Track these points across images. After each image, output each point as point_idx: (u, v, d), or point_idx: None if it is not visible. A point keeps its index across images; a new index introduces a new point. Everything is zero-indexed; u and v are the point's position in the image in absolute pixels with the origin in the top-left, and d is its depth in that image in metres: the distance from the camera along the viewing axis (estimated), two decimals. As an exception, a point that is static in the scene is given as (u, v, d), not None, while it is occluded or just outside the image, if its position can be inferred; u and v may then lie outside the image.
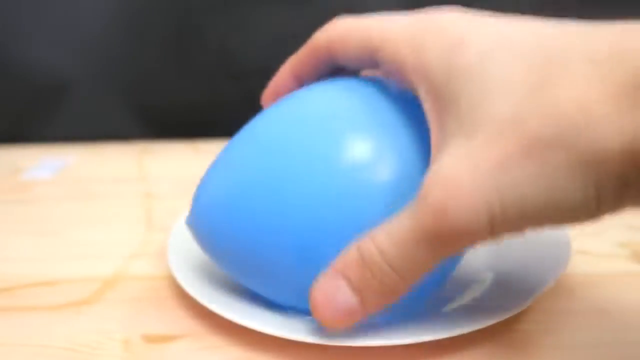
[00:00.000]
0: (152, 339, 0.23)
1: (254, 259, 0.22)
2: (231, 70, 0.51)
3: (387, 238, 0.19)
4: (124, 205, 0.37)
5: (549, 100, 0.16)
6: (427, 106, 0.20)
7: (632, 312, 0.24)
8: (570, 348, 0.22)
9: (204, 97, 0.51)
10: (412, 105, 0.22)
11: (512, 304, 0.22)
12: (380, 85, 0.23)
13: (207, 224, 0.23)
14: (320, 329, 0.21)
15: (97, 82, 0.51)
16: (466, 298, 0.24)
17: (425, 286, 0.21)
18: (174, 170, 0.44)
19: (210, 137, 0.51)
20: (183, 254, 0.27)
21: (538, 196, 0.16)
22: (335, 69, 0.24)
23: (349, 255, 0.19)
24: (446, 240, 0.18)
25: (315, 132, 0.21)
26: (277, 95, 0.25)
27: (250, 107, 0.53)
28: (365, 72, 0.25)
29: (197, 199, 0.24)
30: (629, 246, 0.30)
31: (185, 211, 0.31)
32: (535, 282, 0.23)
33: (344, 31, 0.22)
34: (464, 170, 0.17)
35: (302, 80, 0.25)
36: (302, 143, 0.21)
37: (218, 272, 0.26)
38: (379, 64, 0.22)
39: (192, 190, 0.40)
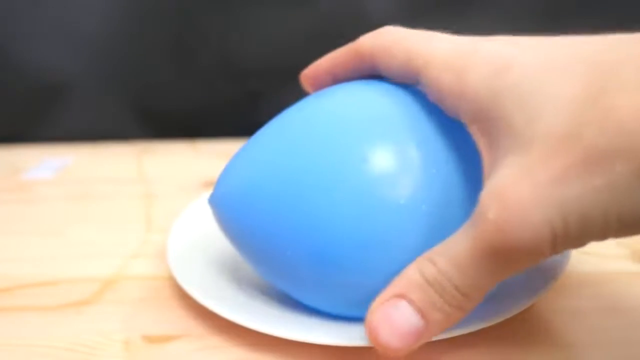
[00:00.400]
0: (152, 339, 0.23)
1: (269, 250, 0.21)
2: (231, 71, 0.51)
3: (447, 259, 0.18)
4: (123, 205, 0.37)
5: (605, 110, 0.16)
6: (473, 128, 0.19)
7: (633, 311, 0.24)
8: (570, 347, 0.22)
9: (203, 98, 0.51)
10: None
11: (513, 303, 0.22)
12: (420, 93, 0.22)
13: (228, 206, 0.23)
14: (320, 328, 0.21)
15: (97, 83, 0.51)
16: None
17: None
18: (174, 170, 0.44)
19: (210, 137, 0.52)
20: (183, 254, 0.27)
21: (600, 209, 0.16)
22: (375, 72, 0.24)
23: (410, 277, 0.19)
24: (508, 259, 0.17)
25: (348, 135, 0.21)
26: (314, 82, 0.25)
27: (249, 107, 0.53)
28: None
29: (222, 178, 0.23)
30: (629, 246, 0.30)
31: (184, 211, 0.31)
32: (535, 282, 0.23)
33: (388, 43, 0.22)
34: (523, 186, 0.17)
35: (341, 78, 0.25)
36: (334, 144, 0.21)
37: (218, 272, 0.26)
38: (420, 84, 0.22)
39: (192, 190, 0.40)
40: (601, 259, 0.29)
